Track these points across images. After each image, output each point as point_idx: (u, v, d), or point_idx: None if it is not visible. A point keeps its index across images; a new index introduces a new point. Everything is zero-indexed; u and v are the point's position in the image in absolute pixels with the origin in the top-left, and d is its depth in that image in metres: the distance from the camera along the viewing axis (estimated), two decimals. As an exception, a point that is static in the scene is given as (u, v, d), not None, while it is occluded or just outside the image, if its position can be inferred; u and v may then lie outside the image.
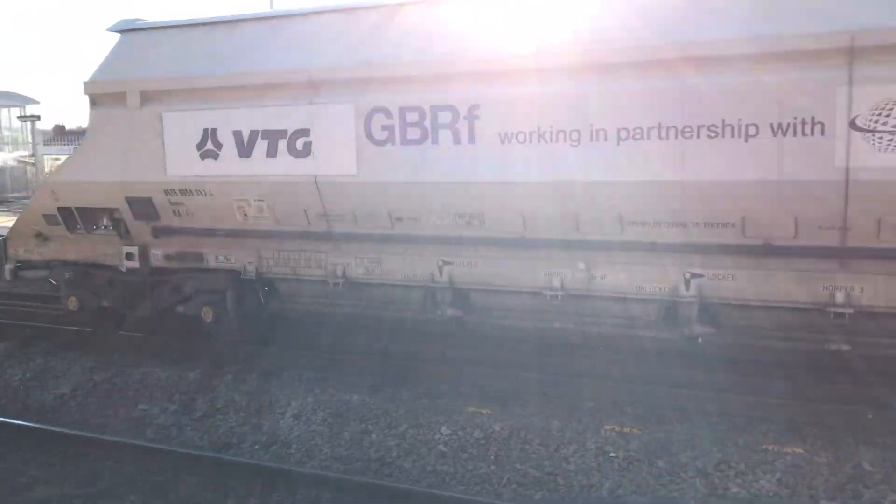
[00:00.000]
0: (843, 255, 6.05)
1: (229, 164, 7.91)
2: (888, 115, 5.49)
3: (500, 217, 6.99)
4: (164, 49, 8.33)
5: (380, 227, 7.58)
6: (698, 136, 6.04)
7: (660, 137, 6.15)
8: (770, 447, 6.25)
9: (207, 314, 8.75)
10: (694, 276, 6.57)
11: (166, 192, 8.37)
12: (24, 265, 9.73)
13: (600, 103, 6.34)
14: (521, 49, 6.58)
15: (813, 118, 5.70)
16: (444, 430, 6.81)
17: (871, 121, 5.55)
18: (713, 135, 5.99)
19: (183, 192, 8.29)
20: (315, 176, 7.54)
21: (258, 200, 7.99)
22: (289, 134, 7.57)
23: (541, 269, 7.11)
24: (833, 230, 5.95)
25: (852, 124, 5.59)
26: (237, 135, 7.82)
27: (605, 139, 6.33)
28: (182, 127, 8.10)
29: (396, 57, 7.08)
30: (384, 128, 7.14)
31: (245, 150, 7.80)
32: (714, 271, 6.51)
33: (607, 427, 6.71)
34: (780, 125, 5.80)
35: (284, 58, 7.57)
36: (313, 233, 7.95)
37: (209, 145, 7.98)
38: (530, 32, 6.64)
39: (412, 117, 7.01)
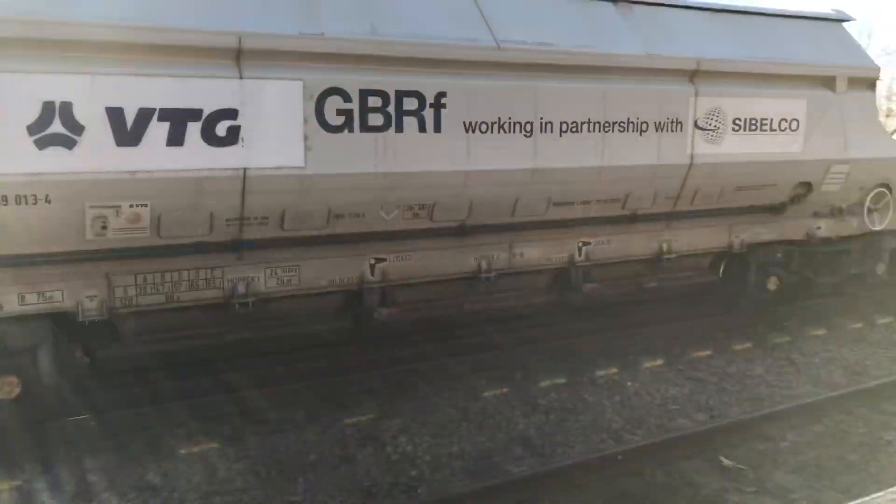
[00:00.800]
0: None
1: (97, 156, 5.42)
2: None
3: (450, 206, 6.93)
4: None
5: (311, 228, 6.44)
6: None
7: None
8: None
9: (8, 388, 5.67)
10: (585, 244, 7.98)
11: (-59, 201, 5.12)
12: None
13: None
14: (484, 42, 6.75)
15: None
16: None
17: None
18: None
19: (-17, 199, 5.22)
20: (245, 169, 5.91)
21: (137, 206, 5.69)
22: (205, 115, 5.71)
23: (472, 254, 7.34)
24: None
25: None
26: (114, 113, 5.42)
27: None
28: (-5, 97, 5.09)
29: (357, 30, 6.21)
30: (341, 112, 6.18)
31: (129, 135, 5.49)
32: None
33: None
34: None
35: (205, 12, 5.63)
36: (212, 243, 6.13)
37: (57, 127, 5.28)
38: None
39: (375, 101, 6.30)
